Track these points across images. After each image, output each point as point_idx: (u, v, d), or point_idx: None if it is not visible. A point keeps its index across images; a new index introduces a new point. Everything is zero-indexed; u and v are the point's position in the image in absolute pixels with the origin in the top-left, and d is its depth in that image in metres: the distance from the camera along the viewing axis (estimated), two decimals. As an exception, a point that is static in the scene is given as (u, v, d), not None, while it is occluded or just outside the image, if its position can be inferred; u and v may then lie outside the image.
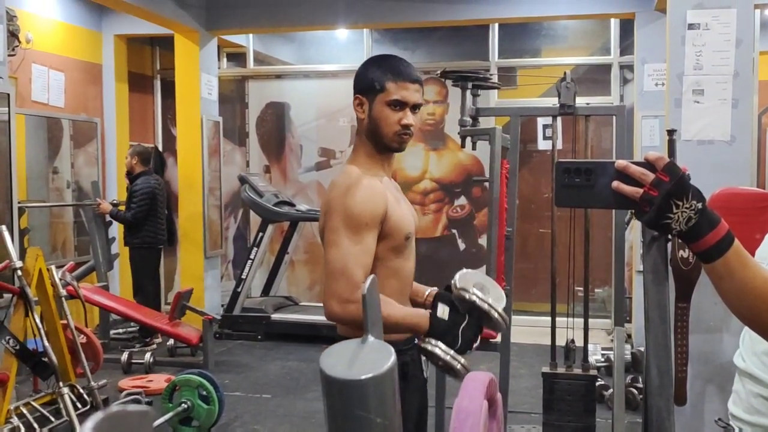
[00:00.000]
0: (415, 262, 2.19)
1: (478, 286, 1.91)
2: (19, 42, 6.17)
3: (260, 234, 6.97)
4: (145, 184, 6.52)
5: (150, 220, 6.54)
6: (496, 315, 1.88)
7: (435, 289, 2.16)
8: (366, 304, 0.84)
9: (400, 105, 2.06)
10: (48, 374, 4.23)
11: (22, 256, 4.22)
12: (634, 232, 6.05)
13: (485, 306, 1.87)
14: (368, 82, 2.11)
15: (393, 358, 0.79)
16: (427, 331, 1.91)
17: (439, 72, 4.08)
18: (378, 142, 2.10)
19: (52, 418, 4.19)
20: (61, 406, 4.21)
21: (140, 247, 6.56)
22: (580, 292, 4.06)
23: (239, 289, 6.92)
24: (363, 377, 0.77)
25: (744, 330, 1.53)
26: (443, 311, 1.91)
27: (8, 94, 4.20)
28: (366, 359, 0.79)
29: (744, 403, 1.53)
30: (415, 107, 2.09)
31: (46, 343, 4.20)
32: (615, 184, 1.17)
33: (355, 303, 1.90)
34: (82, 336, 4.75)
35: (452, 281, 1.93)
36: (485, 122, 4.76)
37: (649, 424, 2.71)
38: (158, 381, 5.23)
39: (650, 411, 2.70)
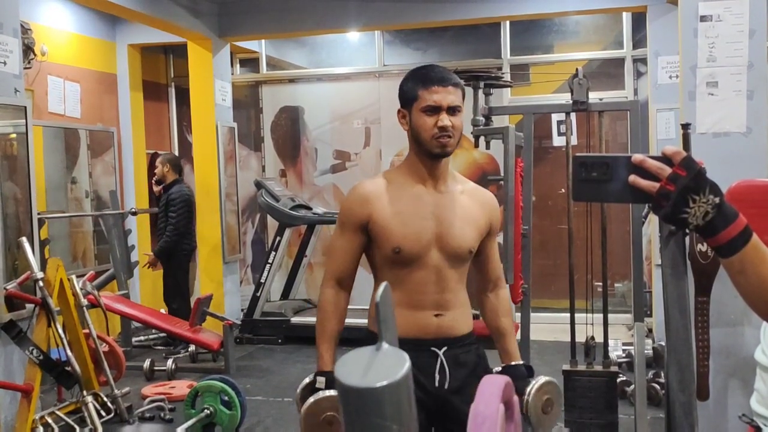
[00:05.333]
0: (434, 276, 2.16)
1: (547, 402, 2.06)
2: (35, 55, 6.23)
3: (278, 238, 6.99)
4: (179, 192, 6.58)
5: (186, 228, 6.59)
6: None
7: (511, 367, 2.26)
8: (379, 312, 0.84)
9: (434, 110, 2.11)
10: (72, 383, 4.27)
11: (42, 266, 4.27)
12: (652, 226, 6.02)
13: None
14: (404, 94, 2.18)
15: (407, 364, 0.80)
16: None
17: (450, 72, 4.07)
18: (422, 150, 2.16)
19: (77, 427, 4.22)
20: (86, 414, 4.25)
21: (174, 255, 6.60)
22: (599, 288, 4.04)
23: (258, 294, 6.95)
24: (378, 385, 0.77)
25: (764, 324, 1.51)
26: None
27: (25, 107, 4.24)
28: (381, 367, 0.80)
29: (767, 400, 1.51)
30: (451, 109, 2.12)
31: (69, 353, 4.23)
32: (632, 178, 1.17)
33: (324, 290, 2.23)
34: (105, 344, 4.79)
35: (527, 394, 2.11)
36: (498, 121, 4.75)
37: (672, 420, 2.69)
38: (180, 387, 5.26)
39: (673, 406, 2.69)
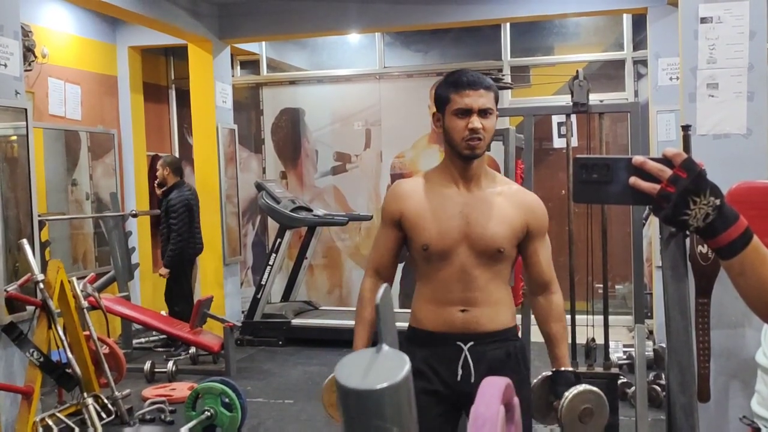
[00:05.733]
0: (461, 273, 2.23)
1: (586, 411, 2.07)
2: (35, 57, 6.23)
3: (278, 240, 6.99)
4: (179, 197, 6.51)
5: (189, 232, 6.56)
6: None
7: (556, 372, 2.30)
8: (379, 313, 0.84)
9: (465, 112, 2.18)
10: (72, 385, 4.26)
11: (43, 268, 4.27)
12: (653, 227, 6.01)
13: None
14: (437, 98, 2.26)
15: (408, 366, 0.80)
16: None
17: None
18: (453, 151, 2.24)
19: (77, 429, 4.22)
20: (86, 416, 4.25)
21: (185, 259, 6.57)
22: (600, 289, 4.04)
23: (259, 296, 6.94)
24: (378, 387, 0.77)
25: (765, 326, 1.51)
26: None
27: (26, 109, 4.24)
28: (381, 368, 0.80)
29: None
30: (482, 112, 2.19)
31: (70, 355, 4.23)
32: (632, 180, 1.17)
33: (364, 279, 2.39)
34: (105, 346, 4.79)
35: (563, 399, 2.10)
36: (499, 123, 4.75)
37: (673, 422, 2.69)
38: (181, 389, 5.25)
39: (673, 408, 2.68)
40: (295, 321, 6.92)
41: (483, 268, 2.23)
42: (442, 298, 2.25)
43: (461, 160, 2.23)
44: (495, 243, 2.21)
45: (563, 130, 4.52)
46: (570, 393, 2.12)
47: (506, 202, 2.26)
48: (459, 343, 2.23)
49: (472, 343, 2.23)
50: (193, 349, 6.15)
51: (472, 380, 2.22)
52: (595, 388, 2.17)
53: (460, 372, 2.23)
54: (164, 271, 6.54)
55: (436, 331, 2.25)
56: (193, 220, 6.62)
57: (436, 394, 2.23)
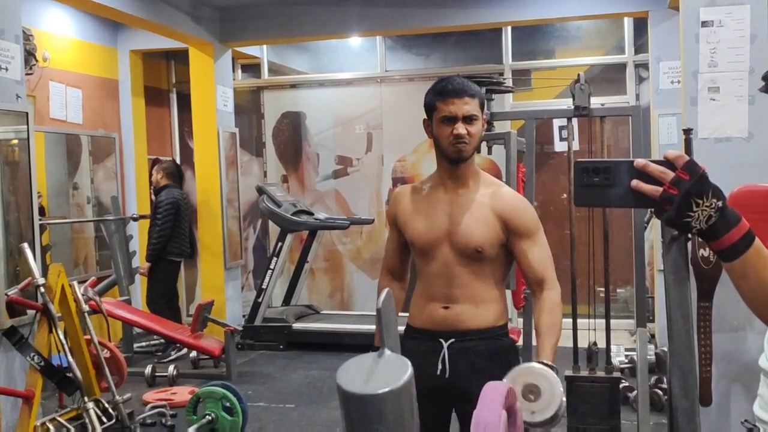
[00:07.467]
0: (444, 270, 2.33)
1: (529, 387, 1.98)
2: (36, 60, 6.23)
3: (279, 244, 6.98)
4: (168, 196, 6.57)
5: (175, 232, 6.57)
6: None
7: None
8: (381, 317, 0.84)
9: (450, 119, 2.28)
10: (73, 389, 4.25)
11: (44, 272, 4.26)
12: (655, 231, 6.01)
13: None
14: (426, 106, 2.37)
15: (410, 371, 0.80)
16: None
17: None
18: (442, 155, 2.36)
19: (77, 433, 4.21)
20: (87, 420, 4.24)
21: (162, 259, 6.58)
22: (601, 293, 4.03)
23: (260, 300, 6.93)
24: (380, 391, 0.77)
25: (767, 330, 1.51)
26: None
27: (27, 113, 4.24)
28: (383, 373, 0.79)
29: None
30: (467, 119, 2.28)
31: (71, 359, 4.22)
32: (634, 183, 1.17)
33: (379, 279, 2.57)
34: (106, 350, 4.78)
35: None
36: (500, 126, 4.75)
37: (675, 426, 2.68)
38: (182, 393, 5.25)
39: (675, 412, 2.68)
40: (296, 325, 6.91)
41: (465, 266, 2.31)
42: (428, 295, 2.36)
43: (449, 163, 2.33)
44: (473, 242, 2.29)
45: (565, 133, 4.53)
46: (517, 367, 2.07)
47: (489, 203, 2.33)
48: (440, 339, 2.32)
49: (453, 340, 2.31)
50: (194, 353, 6.14)
51: (452, 376, 2.30)
52: (532, 364, 2.11)
53: (439, 366, 2.31)
54: (145, 265, 6.58)
55: (421, 327, 2.37)
56: (181, 222, 6.63)
57: (420, 390, 2.23)
